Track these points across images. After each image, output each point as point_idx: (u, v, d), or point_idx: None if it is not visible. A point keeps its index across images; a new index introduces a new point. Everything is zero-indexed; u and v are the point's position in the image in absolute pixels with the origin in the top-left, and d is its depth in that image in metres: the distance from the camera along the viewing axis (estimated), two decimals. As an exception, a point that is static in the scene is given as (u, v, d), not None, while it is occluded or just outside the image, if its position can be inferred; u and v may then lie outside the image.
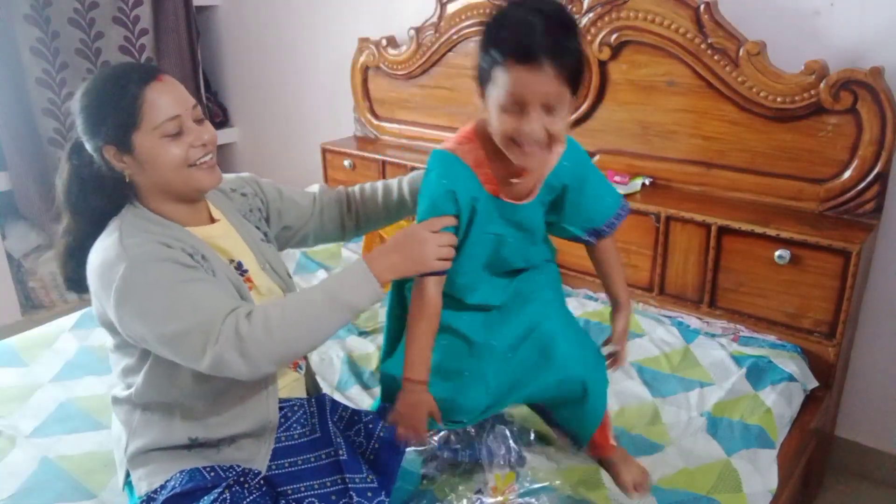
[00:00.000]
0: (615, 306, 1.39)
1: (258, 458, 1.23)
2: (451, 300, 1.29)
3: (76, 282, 1.23)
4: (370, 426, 1.33)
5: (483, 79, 1.12)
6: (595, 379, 1.35)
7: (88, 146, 1.16)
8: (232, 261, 1.25)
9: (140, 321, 1.08)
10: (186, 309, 1.07)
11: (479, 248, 1.26)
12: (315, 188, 1.53)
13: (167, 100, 1.13)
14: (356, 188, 1.52)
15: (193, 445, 1.22)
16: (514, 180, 1.22)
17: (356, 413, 1.36)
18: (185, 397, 1.19)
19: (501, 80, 1.08)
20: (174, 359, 1.10)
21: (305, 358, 1.43)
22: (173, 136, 1.13)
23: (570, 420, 1.39)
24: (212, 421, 1.21)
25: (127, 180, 1.17)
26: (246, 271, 1.27)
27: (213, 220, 1.29)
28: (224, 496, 1.13)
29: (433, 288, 1.22)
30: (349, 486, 1.20)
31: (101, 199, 1.19)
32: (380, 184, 1.51)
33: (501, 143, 1.13)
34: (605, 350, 1.38)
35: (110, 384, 1.31)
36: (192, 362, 1.08)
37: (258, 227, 1.37)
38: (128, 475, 1.25)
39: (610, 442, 1.40)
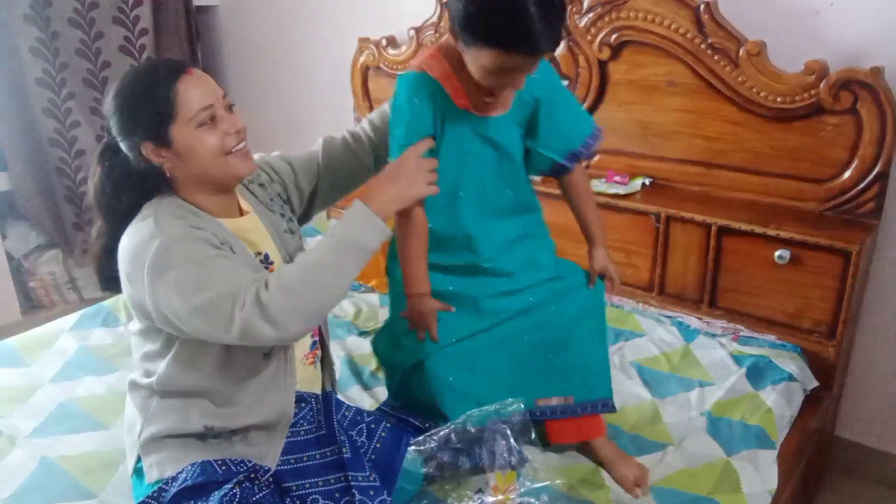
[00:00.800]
0: (590, 243, 1.40)
1: (269, 454, 1.24)
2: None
3: (114, 280, 1.23)
4: (372, 426, 1.34)
5: (463, 35, 1.11)
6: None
7: (124, 145, 1.18)
8: (258, 253, 1.28)
9: (173, 293, 1.09)
10: (217, 278, 1.09)
11: (456, 168, 1.27)
12: (319, 143, 1.51)
13: (199, 91, 1.15)
14: (365, 122, 1.49)
15: (208, 435, 1.22)
16: (487, 99, 1.22)
17: (359, 413, 1.37)
18: (207, 384, 1.20)
19: (489, 58, 1.09)
20: (204, 332, 1.11)
21: (322, 350, 1.43)
22: (208, 125, 1.16)
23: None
24: (230, 410, 1.22)
25: (167, 175, 1.19)
26: (272, 263, 1.29)
27: (241, 213, 1.31)
28: (234, 492, 1.14)
29: (419, 207, 1.27)
30: (352, 484, 1.20)
31: (135, 195, 1.21)
32: (387, 105, 1.46)
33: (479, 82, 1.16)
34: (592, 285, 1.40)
35: (129, 369, 1.32)
36: (223, 332, 1.09)
37: (283, 215, 1.38)
38: (138, 461, 1.25)
39: (598, 418, 1.42)
